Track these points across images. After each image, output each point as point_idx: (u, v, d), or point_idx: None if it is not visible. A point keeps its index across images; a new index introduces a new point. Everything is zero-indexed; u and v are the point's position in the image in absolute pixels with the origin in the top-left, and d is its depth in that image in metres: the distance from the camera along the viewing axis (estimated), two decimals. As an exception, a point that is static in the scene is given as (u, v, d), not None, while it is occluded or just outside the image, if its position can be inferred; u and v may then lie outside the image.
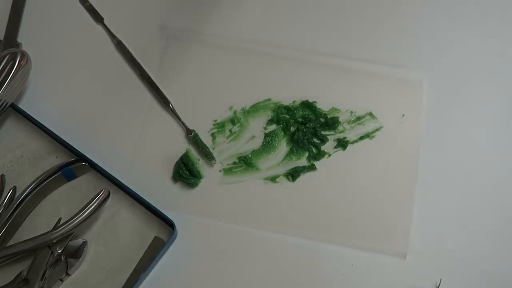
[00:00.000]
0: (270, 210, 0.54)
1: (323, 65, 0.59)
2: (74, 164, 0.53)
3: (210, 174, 0.55)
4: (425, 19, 0.61)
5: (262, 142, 0.56)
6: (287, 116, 0.57)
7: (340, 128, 0.57)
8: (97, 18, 0.61)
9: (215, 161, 0.55)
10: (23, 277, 0.48)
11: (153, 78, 0.58)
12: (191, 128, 0.56)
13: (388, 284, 0.51)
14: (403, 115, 0.57)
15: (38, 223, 0.52)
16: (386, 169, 0.55)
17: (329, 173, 0.55)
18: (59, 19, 0.61)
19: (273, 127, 0.57)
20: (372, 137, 0.56)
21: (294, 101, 0.57)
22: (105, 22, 0.60)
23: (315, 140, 0.56)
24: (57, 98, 0.57)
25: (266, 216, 0.53)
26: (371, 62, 0.59)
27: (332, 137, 0.57)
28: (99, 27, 0.60)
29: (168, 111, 0.57)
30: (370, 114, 0.57)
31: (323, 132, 0.56)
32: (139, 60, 0.58)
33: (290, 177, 0.55)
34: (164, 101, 0.57)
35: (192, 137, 0.55)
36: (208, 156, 0.55)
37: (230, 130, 0.57)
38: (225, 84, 0.58)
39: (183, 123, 0.56)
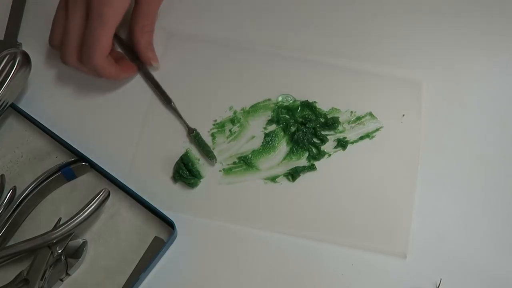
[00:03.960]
0: (270, 210, 0.54)
1: (323, 65, 0.59)
2: (74, 164, 0.53)
3: (210, 174, 0.55)
4: (425, 19, 0.61)
5: (262, 142, 0.56)
6: (287, 116, 0.57)
7: (340, 128, 0.57)
8: (97, 18, 0.61)
9: (216, 160, 0.55)
10: (23, 277, 0.48)
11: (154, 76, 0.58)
12: (192, 127, 0.56)
13: (388, 284, 0.51)
14: (403, 115, 0.57)
15: (38, 223, 0.52)
16: (386, 169, 0.55)
17: (329, 173, 0.55)
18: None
19: (273, 127, 0.57)
20: (372, 137, 0.57)
21: (294, 101, 0.57)
22: (105, 22, 0.60)
23: (315, 140, 0.56)
24: (57, 98, 0.57)
25: (266, 216, 0.53)
26: (371, 62, 0.59)
27: (332, 137, 0.57)
28: (99, 27, 0.60)
29: (170, 110, 0.57)
30: (370, 114, 0.57)
31: (323, 132, 0.56)
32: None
33: (290, 177, 0.55)
34: (165, 100, 0.57)
35: (193, 136, 0.55)
36: (209, 155, 0.55)
37: (230, 130, 0.57)
38: (225, 84, 0.58)
39: (184, 122, 0.56)
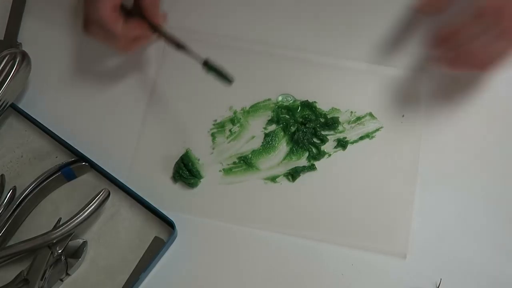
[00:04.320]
0: (270, 210, 0.54)
1: (323, 65, 0.59)
2: (74, 164, 0.53)
3: (210, 174, 0.55)
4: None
5: (262, 142, 0.56)
6: (287, 116, 0.57)
7: (340, 128, 0.57)
8: (97, 18, 0.60)
9: (233, 79, 0.51)
10: (23, 277, 0.48)
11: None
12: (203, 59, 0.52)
13: (388, 284, 0.51)
14: (403, 115, 0.57)
15: (38, 223, 0.52)
16: (386, 169, 0.55)
17: (329, 173, 0.55)
18: (59, 19, 0.61)
19: (273, 127, 0.57)
20: (372, 137, 0.56)
21: (294, 101, 0.57)
22: (105, 22, 0.60)
23: (315, 140, 0.56)
24: (57, 97, 0.57)
25: (266, 216, 0.53)
26: (371, 62, 0.59)
27: (332, 137, 0.57)
28: (99, 27, 0.60)
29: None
30: (370, 114, 0.57)
31: (323, 132, 0.56)
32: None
33: (290, 177, 0.55)
34: (178, 45, 0.53)
35: (208, 65, 0.51)
36: (226, 77, 0.51)
37: (230, 130, 0.57)
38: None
39: (197, 56, 0.52)
